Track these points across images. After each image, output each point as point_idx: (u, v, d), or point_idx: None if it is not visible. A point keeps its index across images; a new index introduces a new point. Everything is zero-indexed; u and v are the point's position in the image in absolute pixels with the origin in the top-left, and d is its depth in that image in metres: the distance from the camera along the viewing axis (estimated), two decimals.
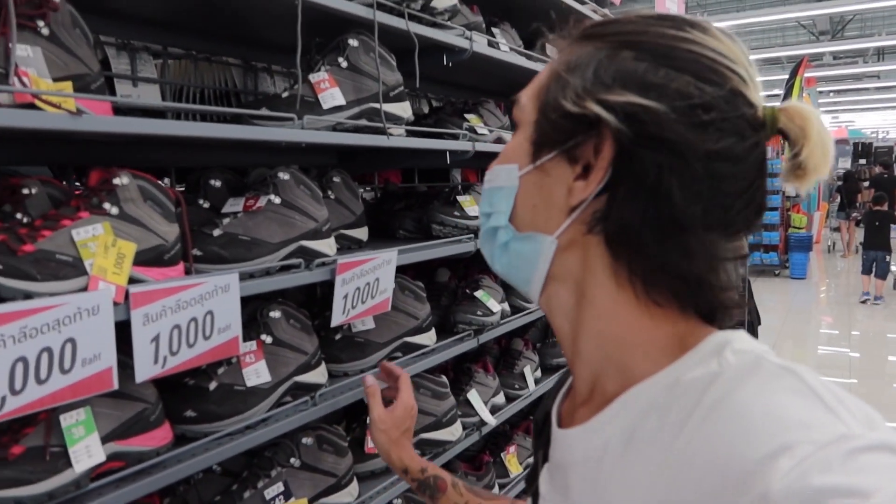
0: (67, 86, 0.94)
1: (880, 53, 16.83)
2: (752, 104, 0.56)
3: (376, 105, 1.43)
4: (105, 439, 0.95)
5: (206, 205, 1.29)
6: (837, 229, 13.62)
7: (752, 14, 13.01)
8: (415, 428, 1.57)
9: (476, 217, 1.81)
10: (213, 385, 1.17)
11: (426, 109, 2.32)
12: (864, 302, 8.34)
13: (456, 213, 1.78)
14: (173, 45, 1.57)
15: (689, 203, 0.55)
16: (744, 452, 0.46)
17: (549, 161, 0.61)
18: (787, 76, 11.53)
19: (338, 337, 1.50)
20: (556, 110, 0.59)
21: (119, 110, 1.25)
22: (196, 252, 1.13)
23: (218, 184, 1.30)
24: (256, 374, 1.21)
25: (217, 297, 1.06)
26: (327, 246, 1.34)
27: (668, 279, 0.58)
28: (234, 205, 1.24)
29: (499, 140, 1.98)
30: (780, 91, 11.96)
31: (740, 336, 0.58)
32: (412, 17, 1.51)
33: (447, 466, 1.85)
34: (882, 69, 16.57)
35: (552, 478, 0.66)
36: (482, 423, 1.83)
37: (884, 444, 0.43)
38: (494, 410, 1.91)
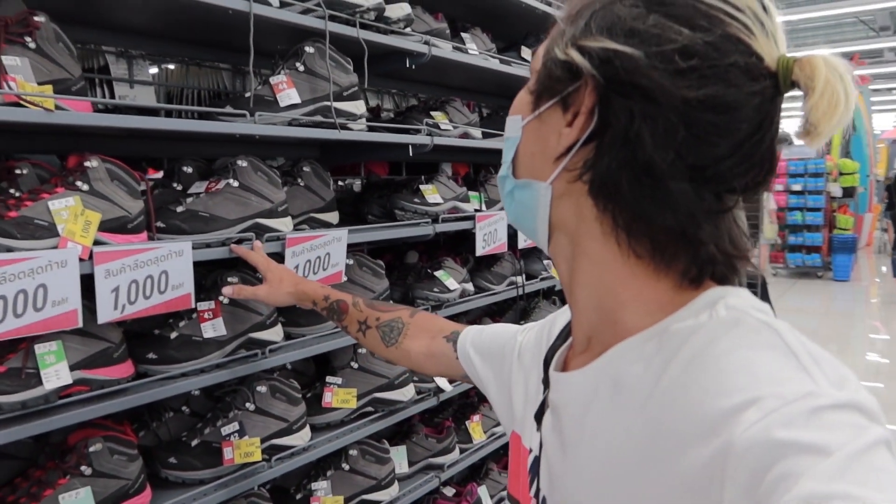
0: (48, 89, 1.19)
1: None
2: (754, 52, 0.53)
3: (329, 103, 1.65)
4: (73, 367, 1.20)
5: (179, 187, 1.53)
6: (886, 230, 13.19)
7: (806, 9, 12.72)
8: (367, 389, 1.80)
9: (435, 204, 2.02)
10: (174, 335, 1.41)
11: (404, 106, 2.53)
12: None
13: (416, 200, 1.99)
14: (168, 53, 1.83)
15: (660, 150, 0.53)
16: (714, 402, 0.47)
17: (547, 110, 0.61)
18: None
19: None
20: (552, 59, 0.60)
21: (104, 108, 1.51)
22: (160, 224, 1.37)
23: (189, 170, 1.54)
24: (213, 328, 1.45)
25: (172, 260, 1.30)
26: (283, 224, 1.57)
27: (647, 229, 0.56)
28: (198, 187, 1.49)
29: (464, 135, 2.18)
30: None
31: (738, 292, 0.57)
32: (366, 27, 1.73)
33: (406, 426, 2.07)
34: None
35: (551, 417, 0.68)
36: (439, 389, 2.03)
37: (850, 403, 0.43)
38: (452, 380, 2.10)
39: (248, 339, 1.52)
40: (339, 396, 1.77)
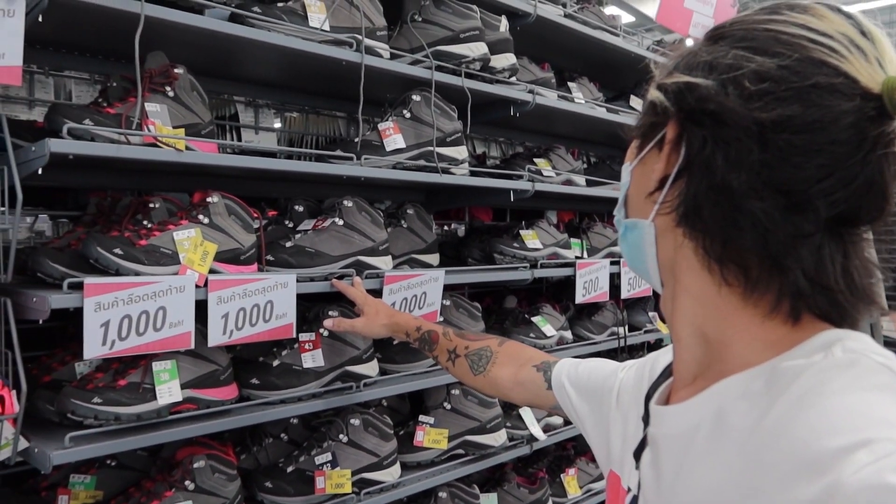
0: (181, 132, 1.33)
1: None
2: (842, 73, 0.51)
3: (432, 148, 1.72)
4: (184, 386, 1.30)
5: (290, 224, 1.64)
6: None
7: None
8: (458, 431, 1.81)
9: (535, 249, 2.02)
10: (276, 362, 1.49)
11: (510, 153, 2.58)
12: None
13: (515, 244, 2.01)
14: (290, 102, 1.99)
15: (734, 171, 0.53)
16: (822, 441, 0.45)
17: (648, 152, 0.63)
18: None
19: (395, 342, 1.78)
20: (648, 104, 0.63)
21: (231, 151, 1.66)
22: (269, 257, 1.47)
23: (300, 208, 1.65)
24: (312, 359, 1.52)
25: (277, 290, 1.39)
26: (383, 262, 1.64)
27: (734, 254, 0.56)
28: (306, 224, 1.58)
29: (568, 182, 2.19)
30: None
31: (859, 336, 0.54)
32: (471, 76, 1.80)
33: (498, 473, 2.05)
34: None
35: (650, 453, 0.66)
36: (532, 437, 2.00)
37: None
38: (548, 429, 2.07)
39: (345, 372, 1.58)
40: (431, 436, 1.79)
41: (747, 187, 0.53)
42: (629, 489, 0.71)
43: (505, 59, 1.88)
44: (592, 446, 0.87)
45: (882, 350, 0.52)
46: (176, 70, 1.35)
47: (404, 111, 1.71)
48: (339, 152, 1.60)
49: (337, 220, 1.58)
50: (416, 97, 1.72)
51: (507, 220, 2.74)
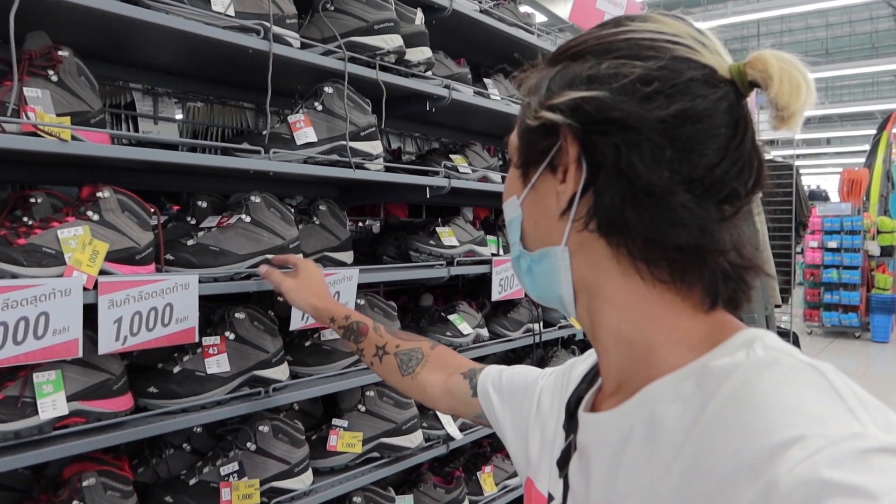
0: (66, 120, 1.21)
1: None
2: (705, 66, 0.57)
3: (345, 142, 1.66)
4: (70, 398, 1.19)
5: (193, 221, 1.54)
6: None
7: (842, 66, 12.70)
8: (373, 434, 1.76)
9: (451, 246, 2.00)
10: (177, 369, 1.40)
11: (426, 149, 2.55)
12: None
13: (432, 241, 1.98)
14: (193, 91, 1.87)
15: (654, 171, 0.55)
16: (756, 441, 0.46)
17: (538, 179, 0.64)
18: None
19: (307, 343, 1.71)
20: (527, 130, 0.64)
21: (127, 143, 1.54)
22: (169, 256, 1.37)
23: (203, 204, 1.55)
24: (217, 364, 1.44)
25: (177, 292, 1.30)
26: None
27: (662, 252, 0.57)
28: (210, 221, 1.49)
29: (484, 179, 2.17)
30: (866, 146, 11.53)
31: (771, 335, 0.57)
32: (386, 69, 1.75)
33: (414, 474, 2.01)
34: None
35: (579, 461, 0.66)
36: (449, 437, 1.98)
37: None
38: (464, 428, 2.05)
39: (253, 377, 1.50)
40: (345, 440, 1.73)
41: (668, 183, 0.55)
42: (550, 497, 0.72)
43: (420, 53, 1.84)
44: (511, 452, 0.87)
45: (794, 349, 0.54)
46: (60, 52, 1.23)
47: (316, 103, 1.64)
48: (245, 145, 1.52)
49: (243, 216, 1.49)
50: (328, 89, 1.65)
51: (423, 216, 2.71)
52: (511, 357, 2.51)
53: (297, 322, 1.55)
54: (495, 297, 2.12)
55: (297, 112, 1.63)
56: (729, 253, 0.57)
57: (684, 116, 0.55)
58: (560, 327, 2.48)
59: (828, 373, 0.49)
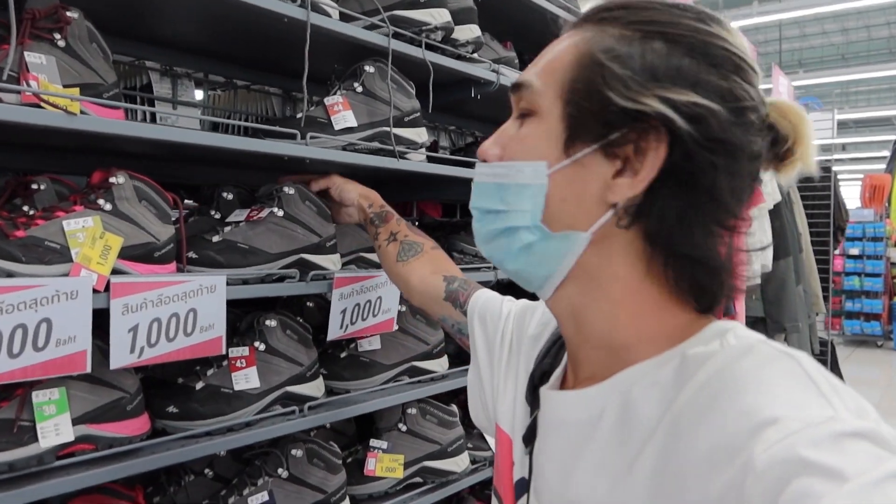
0: (75, 91, 1.03)
1: None
2: (765, 104, 0.58)
3: (388, 128, 1.47)
4: (77, 421, 1.00)
5: (217, 215, 1.35)
6: None
7: (859, 70, 12.49)
8: (416, 456, 1.56)
9: None
10: (199, 385, 1.21)
11: (462, 143, 2.35)
12: None
13: None
14: (215, 72, 1.68)
15: (735, 201, 0.57)
16: (733, 423, 0.47)
17: (585, 155, 0.58)
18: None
19: (343, 355, 1.52)
20: (600, 102, 0.56)
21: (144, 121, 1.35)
22: (192, 255, 1.18)
23: (230, 196, 1.36)
24: (246, 378, 1.25)
25: (202, 296, 1.11)
26: (330, 261, 1.37)
27: (698, 272, 0.58)
28: (238, 215, 1.30)
29: None
30: (887, 152, 11.31)
31: (741, 326, 0.59)
32: (432, 48, 1.56)
33: (455, 500, 1.81)
34: None
35: (544, 439, 0.66)
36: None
37: (870, 433, 0.43)
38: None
39: (286, 394, 1.30)
40: (384, 463, 1.53)
41: (737, 214, 0.58)
42: (514, 464, 0.72)
43: (469, 31, 1.65)
44: (476, 385, 0.88)
45: (765, 338, 0.55)
46: (69, 13, 1.05)
47: (355, 84, 1.45)
48: (278, 128, 1.33)
49: (276, 210, 1.30)
50: (369, 68, 1.46)
51: (457, 216, 2.52)
52: None
53: (335, 331, 1.35)
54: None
55: (335, 94, 1.44)
56: (729, 264, 0.59)
57: (759, 153, 0.57)
58: None
59: (802, 360, 0.50)
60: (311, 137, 1.31)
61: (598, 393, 0.60)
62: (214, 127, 1.66)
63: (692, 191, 0.55)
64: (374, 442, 1.56)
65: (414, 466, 1.57)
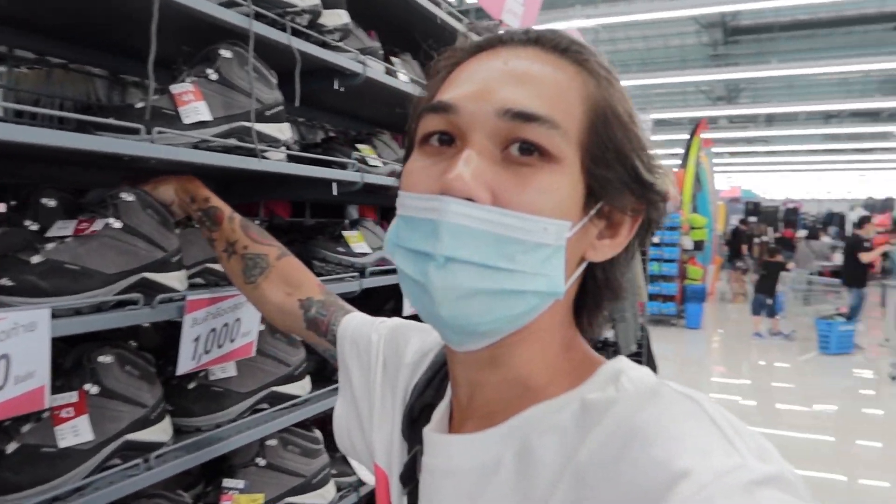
0: None
1: (770, 120, 18.18)
2: None
3: (248, 124, 1.27)
4: None
5: (35, 227, 1.08)
6: (730, 280, 14.39)
7: (656, 76, 13.77)
8: (278, 493, 1.40)
9: (363, 254, 1.67)
10: (11, 447, 0.95)
11: (319, 139, 2.17)
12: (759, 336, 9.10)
13: (340, 248, 1.64)
14: (22, 46, 1.36)
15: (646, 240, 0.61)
16: (645, 477, 0.45)
17: (592, 215, 0.57)
18: (688, 136, 12.21)
19: (191, 386, 1.31)
20: (631, 169, 0.56)
21: None
22: (6, 282, 0.93)
23: (52, 203, 1.10)
24: (74, 431, 1.01)
25: (18, 337, 0.86)
26: (177, 280, 1.16)
27: (608, 303, 0.62)
28: (62, 228, 1.05)
29: (392, 174, 1.86)
30: (680, 150, 12.61)
31: (629, 364, 0.57)
32: (297, 33, 1.38)
33: None
34: (771, 134, 17.93)
35: (430, 485, 0.62)
36: (360, 483, 1.66)
37: (777, 477, 0.43)
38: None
39: (126, 444, 1.08)
40: None
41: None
42: None
43: (337, 17, 1.49)
44: (350, 417, 0.81)
45: (656, 379, 0.54)
46: None
47: (209, 71, 1.24)
48: (111, 121, 1.08)
49: (112, 220, 1.07)
50: (226, 53, 1.25)
51: (307, 216, 2.33)
52: None
53: (187, 363, 1.15)
54: (408, 311, 1.82)
55: (183, 81, 1.22)
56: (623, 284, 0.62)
57: None
58: None
59: (703, 402, 0.49)
60: (159, 132, 1.09)
61: (494, 438, 0.56)
62: (18, 115, 1.33)
63: (643, 236, 0.59)
64: (227, 482, 1.36)
65: None
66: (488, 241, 0.51)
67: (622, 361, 0.57)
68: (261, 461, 1.40)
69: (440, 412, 0.65)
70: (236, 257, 1.06)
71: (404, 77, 1.92)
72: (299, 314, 0.94)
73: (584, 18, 7.59)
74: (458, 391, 0.63)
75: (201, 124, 1.20)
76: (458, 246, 0.51)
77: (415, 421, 0.68)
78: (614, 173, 0.55)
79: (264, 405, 1.41)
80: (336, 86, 1.61)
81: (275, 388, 1.42)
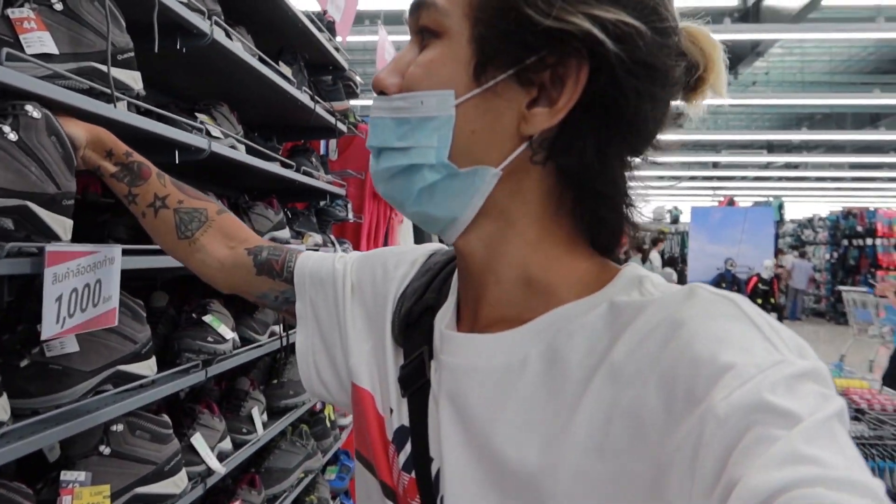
0: None
1: None
2: (679, 30, 0.56)
3: (100, 66, 1.14)
4: None
5: None
6: None
7: None
8: (126, 483, 1.26)
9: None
10: None
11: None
12: None
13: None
14: None
15: (656, 128, 0.55)
16: (689, 372, 0.45)
17: (498, 82, 0.53)
18: None
19: (24, 364, 1.12)
20: (517, 21, 0.50)
21: None
22: None
23: None
24: None
25: None
26: (60, 226, 0.99)
27: (606, 208, 0.57)
28: None
29: (233, 147, 1.77)
30: None
31: (652, 274, 0.57)
32: None
33: None
34: None
35: (439, 382, 0.61)
36: (209, 471, 1.53)
37: (814, 372, 0.44)
38: (222, 457, 1.62)
39: None
40: (85, 500, 1.18)
41: (653, 136, 0.56)
42: (391, 412, 0.67)
43: None
44: (316, 349, 0.80)
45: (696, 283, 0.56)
46: None
47: (52, 0, 1.09)
48: None
49: (8, 131, 0.89)
50: None
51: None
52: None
53: (51, 327, 0.98)
54: None
55: (21, 6, 1.06)
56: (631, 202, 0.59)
57: (676, 81, 0.54)
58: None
59: (740, 302, 0.50)
60: (8, 55, 0.93)
61: (520, 337, 0.56)
62: None
63: (615, 121, 0.52)
64: (66, 474, 1.18)
65: (124, 496, 1.25)
66: (389, 126, 0.57)
67: (638, 268, 0.57)
68: (105, 449, 1.24)
69: (447, 314, 0.65)
70: (167, 212, 0.97)
71: (242, 46, 1.83)
72: (248, 261, 0.90)
73: None
74: (467, 293, 0.64)
75: (46, 57, 1.05)
76: (373, 136, 0.59)
77: (411, 325, 0.68)
78: (492, 27, 0.52)
79: (108, 386, 1.25)
80: (178, 46, 1.49)
81: (121, 367, 1.26)
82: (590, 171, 0.54)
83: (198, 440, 1.53)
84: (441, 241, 0.67)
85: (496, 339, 0.58)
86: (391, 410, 0.67)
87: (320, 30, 2.30)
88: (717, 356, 0.45)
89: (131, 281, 1.75)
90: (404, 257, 0.77)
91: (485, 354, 0.58)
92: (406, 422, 0.64)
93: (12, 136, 0.90)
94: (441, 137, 0.55)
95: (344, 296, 0.78)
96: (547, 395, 0.53)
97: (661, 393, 0.47)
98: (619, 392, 0.49)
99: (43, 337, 0.97)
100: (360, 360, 0.73)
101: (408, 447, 0.64)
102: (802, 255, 14.56)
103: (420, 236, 3.68)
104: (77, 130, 1.01)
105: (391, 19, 5.18)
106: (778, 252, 13.57)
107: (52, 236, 0.98)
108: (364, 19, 7.23)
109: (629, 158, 0.57)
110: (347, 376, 0.76)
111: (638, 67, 0.50)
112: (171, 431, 1.37)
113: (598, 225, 0.58)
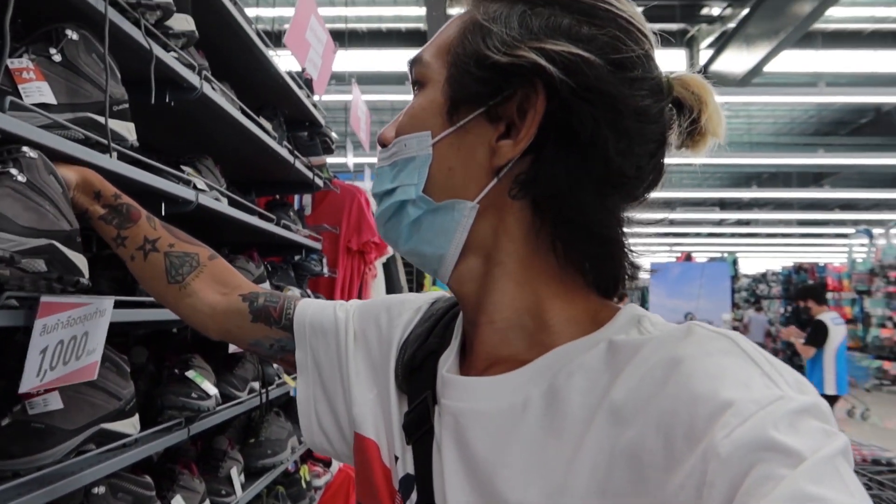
0: None
1: None
2: (658, 69, 0.58)
3: (96, 117, 1.13)
4: None
5: None
6: None
7: None
8: None
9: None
10: None
11: None
12: None
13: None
14: None
15: (622, 159, 0.54)
16: (688, 410, 0.45)
17: (469, 122, 0.57)
18: None
19: (6, 422, 1.07)
20: (479, 62, 0.55)
21: None
22: None
23: None
24: None
25: None
26: (80, 263, 0.96)
27: (589, 243, 0.57)
28: None
29: (217, 200, 1.75)
30: None
31: (650, 313, 0.58)
32: (151, 34, 1.28)
33: None
34: None
35: (443, 426, 0.61)
36: None
37: (815, 407, 0.44)
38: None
39: None
40: None
41: (630, 176, 0.56)
42: (396, 459, 0.66)
43: (185, 22, 1.41)
44: (318, 399, 0.79)
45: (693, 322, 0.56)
46: None
47: (52, 51, 1.09)
48: None
49: (15, 172, 0.87)
50: (72, 34, 1.11)
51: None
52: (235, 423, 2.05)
53: (31, 380, 0.94)
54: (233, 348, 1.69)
55: (21, 57, 1.05)
56: (626, 243, 0.59)
57: (648, 112, 0.55)
58: (278, 385, 2.12)
59: (737, 339, 0.50)
60: (11, 103, 0.92)
61: (520, 379, 0.57)
62: None
63: (576, 149, 0.54)
64: None
65: None
66: (386, 172, 0.62)
67: (637, 308, 0.58)
68: None
69: (449, 358, 0.66)
70: (157, 255, 0.94)
71: (229, 102, 1.84)
72: (243, 307, 0.87)
73: None
74: (469, 338, 0.65)
75: (44, 107, 1.04)
76: (375, 184, 0.64)
77: (415, 371, 0.68)
78: (461, 70, 0.57)
79: (91, 445, 1.19)
80: (167, 99, 1.50)
81: (104, 425, 1.21)
82: (562, 202, 0.55)
83: (178, 503, 1.46)
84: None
85: (496, 382, 0.59)
86: (396, 458, 0.67)
87: (300, 86, 2.33)
88: (716, 393, 0.45)
89: (112, 337, 1.70)
90: (407, 304, 0.78)
91: (485, 397, 0.59)
92: (411, 469, 0.64)
93: (21, 178, 0.88)
94: (420, 175, 0.59)
95: (346, 344, 0.78)
96: (549, 437, 0.54)
97: (661, 432, 0.46)
98: (619, 433, 0.49)
99: (21, 390, 0.93)
100: (364, 409, 0.73)
101: (414, 495, 0.64)
102: (759, 310, 14.92)
103: (392, 292, 3.67)
104: (66, 172, 0.99)
105: (365, 79, 5.28)
106: (734, 306, 13.90)
107: (79, 274, 0.96)
108: (334, 80, 7.35)
109: (611, 196, 0.57)
110: (349, 426, 0.75)
111: (590, 94, 0.52)
112: (153, 493, 1.31)
113: (587, 263, 0.58)
